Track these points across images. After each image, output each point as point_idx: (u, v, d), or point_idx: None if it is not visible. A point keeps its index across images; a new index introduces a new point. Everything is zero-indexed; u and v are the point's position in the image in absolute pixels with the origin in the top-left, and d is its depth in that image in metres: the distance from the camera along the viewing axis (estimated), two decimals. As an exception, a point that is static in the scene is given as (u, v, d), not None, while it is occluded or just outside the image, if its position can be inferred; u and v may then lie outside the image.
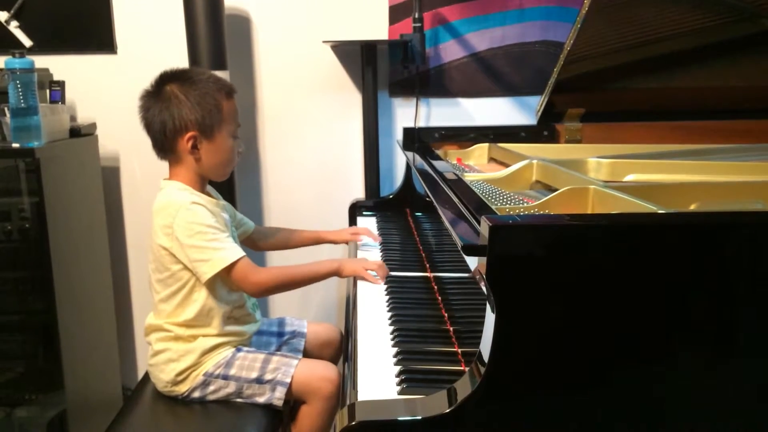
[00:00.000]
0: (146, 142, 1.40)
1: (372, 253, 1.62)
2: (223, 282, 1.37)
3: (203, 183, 1.42)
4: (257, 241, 1.68)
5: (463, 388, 0.79)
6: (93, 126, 2.03)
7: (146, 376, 1.46)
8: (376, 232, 1.81)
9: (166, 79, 1.37)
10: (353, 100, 2.14)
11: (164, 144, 1.37)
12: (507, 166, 1.46)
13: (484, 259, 0.77)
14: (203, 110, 1.34)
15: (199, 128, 1.34)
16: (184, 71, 1.40)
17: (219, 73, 1.53)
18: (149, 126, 1.37)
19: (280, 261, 2.21)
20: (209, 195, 1.44)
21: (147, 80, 1.39)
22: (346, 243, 1.76)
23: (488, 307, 0.79)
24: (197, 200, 1.34)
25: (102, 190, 2.08)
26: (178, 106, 1.33)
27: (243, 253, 1.34)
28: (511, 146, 1.69)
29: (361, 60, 2.02)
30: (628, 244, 0.78)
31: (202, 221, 1.31)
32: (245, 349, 1.41)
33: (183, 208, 1.31)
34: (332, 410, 1.38)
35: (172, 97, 1.34)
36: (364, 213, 2.01)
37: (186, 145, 1.35)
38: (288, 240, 1.72)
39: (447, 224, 0.99)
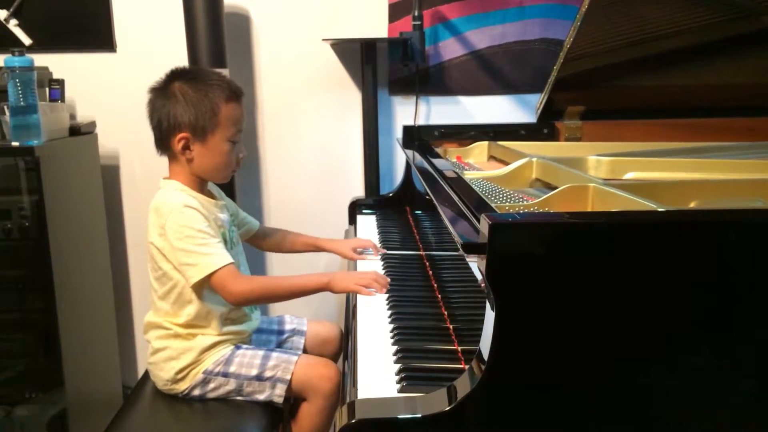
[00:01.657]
0: (146, 140, 1.40)
1: (372, 260, 1.55)
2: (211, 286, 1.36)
3: (202, 183, 1.41)
4: (260, 241, 1.67)
5: (463, 385, 0.79)
6: (92, 124, 2.03)
7: (146, 374, 1.46)
8: (376, 231, 1.81)
9: (174, 76, 1.37)
10: (353, 98, 2.14)
11: (161, 141, 1.37)
12: (507, 164, 1.46)
13: (483, 257, 0.77)
14: (197, 112, 1.32)
15: (191, 130, 1.33)
16: (192, 70, 1.40)
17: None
18: (150, 120, 1.37)
19: (281, 263, 2.21)
20: (210, 194, 1.44)
21: (147, 78, 1.38)
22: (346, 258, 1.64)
23: (488, 305, 0.79)
24: (191, 203, 1.33)
25: (102, 188, 2.08)
26: (174, 106, 1.33)
27: (230, 260, 1.31)
28: (511, 144, 1.69)
29: (361, 58, 2.01)
30: (628, 242, 0.78)
31: (193, 225, 1.30)
32: (245, 346, 1.41)
33: (176, 211, 1.31)
34: (332, 408, 1.38)
35: (171, 96, 1.34)
36: (364, 211, 2.00)
37: (177, 145, 1.34)
38: (284, 242, 1.68)
39: (447, 222, 0.99)
